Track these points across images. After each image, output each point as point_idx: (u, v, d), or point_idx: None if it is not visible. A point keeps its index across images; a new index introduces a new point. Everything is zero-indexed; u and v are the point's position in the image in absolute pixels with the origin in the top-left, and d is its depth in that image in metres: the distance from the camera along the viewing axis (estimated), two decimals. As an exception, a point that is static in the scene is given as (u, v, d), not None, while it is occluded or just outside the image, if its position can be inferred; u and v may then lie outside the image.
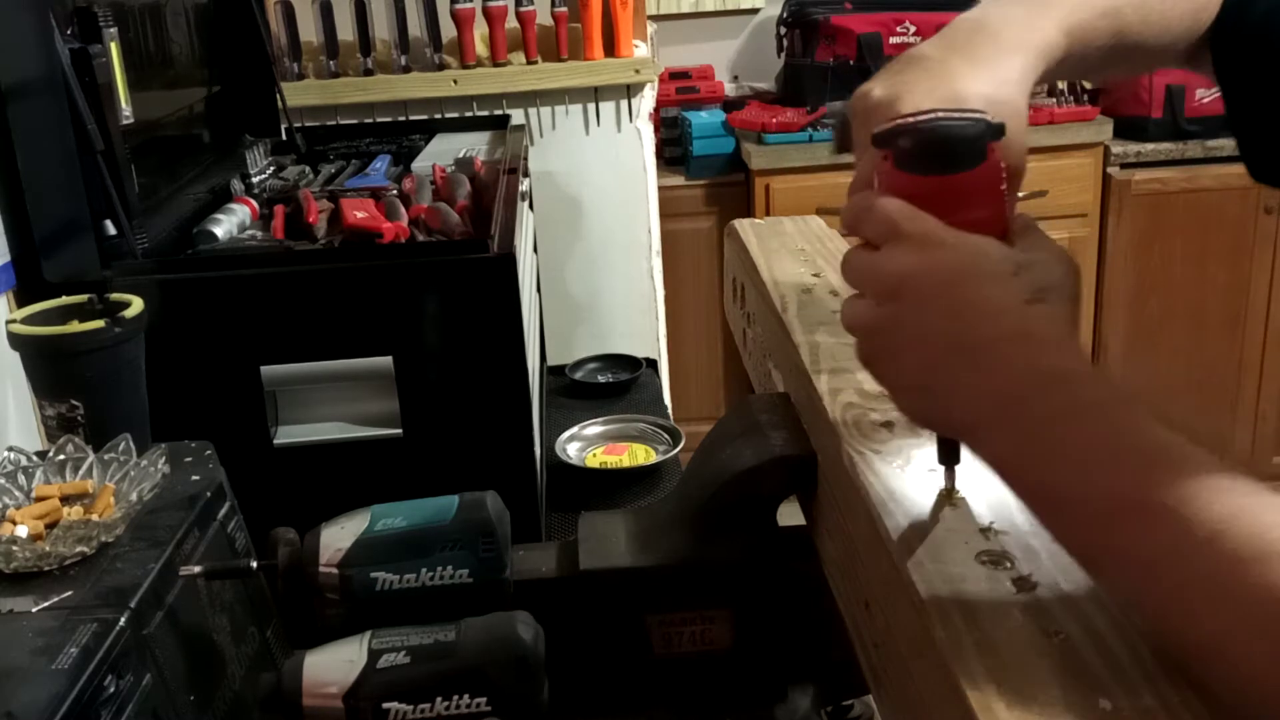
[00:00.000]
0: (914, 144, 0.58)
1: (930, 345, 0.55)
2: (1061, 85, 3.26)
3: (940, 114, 0.59)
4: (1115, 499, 0.49)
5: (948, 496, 0.62)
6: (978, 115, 0.58)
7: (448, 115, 2.12)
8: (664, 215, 2.46)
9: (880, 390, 0.74)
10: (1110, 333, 3.16)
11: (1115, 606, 0.52)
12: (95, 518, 0.74)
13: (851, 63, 3.14)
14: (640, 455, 1.51)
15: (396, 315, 1.14)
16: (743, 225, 1.12)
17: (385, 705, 0.65)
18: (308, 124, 1.98)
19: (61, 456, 0.81)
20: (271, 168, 1.64)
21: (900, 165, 0.58)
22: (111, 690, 0.62)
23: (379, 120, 2.11)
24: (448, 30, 2.18)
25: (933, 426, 0.60)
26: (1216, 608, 0.45)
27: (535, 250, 1.77)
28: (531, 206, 1.79)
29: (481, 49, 2.21)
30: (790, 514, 0.80)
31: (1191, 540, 0.46)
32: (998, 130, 0.58)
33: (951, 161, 0.57)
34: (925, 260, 0.55)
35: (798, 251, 1.03)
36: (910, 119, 0.58)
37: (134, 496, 0.77)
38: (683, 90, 3.29)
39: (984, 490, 0.62)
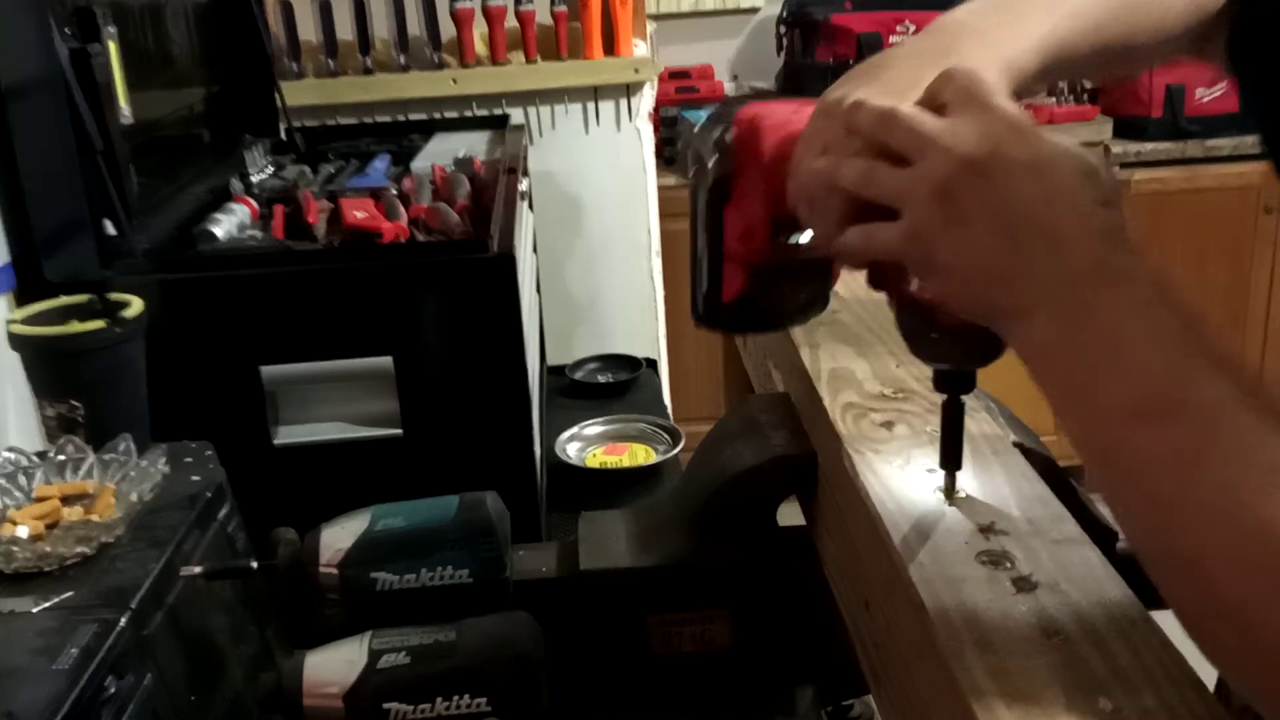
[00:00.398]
0: None
1: (1004, 222, 0.54)
2: (1062, 84, 3.26)
3: None
4: (1149, 394, 0.49)
5: (948, 496, 0.62)
6: None
7: (447, 115, 2.12)
8: (664, 215, 2.46)
9: (880, 389, 0.75)
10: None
11: (1115, 605, 0.52)
12: (95, 518, 0.74)
13: (851, 62, 3.13)
14: (640, 455, 1.51)
15: (396, 315, 1.14)
16: (743, 225, 1.12)
17: (385, 705, 0.65)
18: (307, 124, 1.98)
19: (61, 457, 0.81)
20: (271, 167, 1.64)
21: None
22: (111, 690, 0.62)
23: (378, 120, 2.11)
24: (447, 29, 2.18)
25: (975, 310, 0.57)
26: (1214, 520, 0.46)
27: (535, 250, 1.77)
28: (531, 206, 1.79)
29: (481, 48, 2.21)
30: (790, 514, 0.80)
31: (1214, 447, 0.47)
32: None
33: None
34: (1011, 140, 0.54)
35: (798, 251, 1.03)
36: None
37: (134, 497, 0.77)
38: (682, 90, 3.28)
39: (984, 490, 0.62)
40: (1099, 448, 0.52)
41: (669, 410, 1.79)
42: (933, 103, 0.57)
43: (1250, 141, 3.10)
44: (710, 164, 0.66)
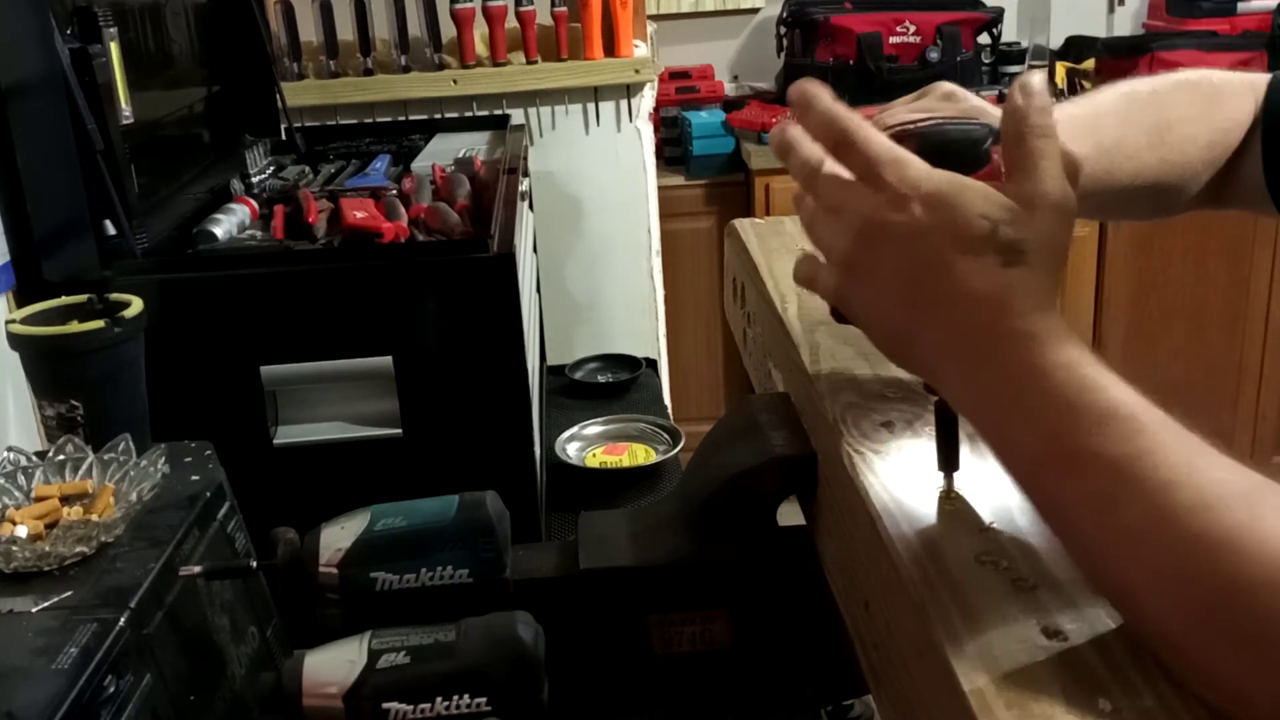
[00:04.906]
0: (918, 147, 0.58)
1: (900, 291, 0.56)
2: (1061, 84, 3.26)
3: (942, 119, 0.59)
4: (1060, 447, 0.51)
5: (947, 496, 0.62)
6: (978, 121, 0.59)
7: (447, 115, 2.12)
8: (664, 215, 2.46)
9: (880, 389, 0.75)
10: (1110, 333, 3.16)
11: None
12: (95, 518, 0.74)
13: (851, 63, 3.14)
14: (640, 455, 1.51)
15: (396, 315, 1.14)
16: (743, 225, 1.12)
17: (385, 705, 0.65)
18: (308, 124, 1.98)
19: (61, 456, 0.81)
20: (271, 168, 1.64)
21: None
22: (111, 690, 0.62)
23: (379, 120, 2.11)
24: (448, 30, 2.18)
25: (898, 363, 0.62)
26: (1139, 558, 0.48)
27: (535, 250, 1.77)
28: (531, 206, 1.79)
29: (481, 49, 2.21)
30: (790, 514, 0.80)
31: (1129, 492, 0.48)
32: (999, 134, 0.58)
33: (955, 164, 0.58)
34: (903, 209, 0.55)
35: (798, 251, 1.03)
36: (912, 124, 0.59)
37: (134, 496, 0.76)
38: (683, 90, 3.29)
39: (984, 491, 0.62)
40: (1025, 493, 0.55)
41: (669, 410, 1.79)
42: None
43: (1250, 142, 3.10)
44: None
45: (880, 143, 0.57)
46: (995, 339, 0.54)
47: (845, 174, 0.59)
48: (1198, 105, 0.81)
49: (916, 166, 0.56)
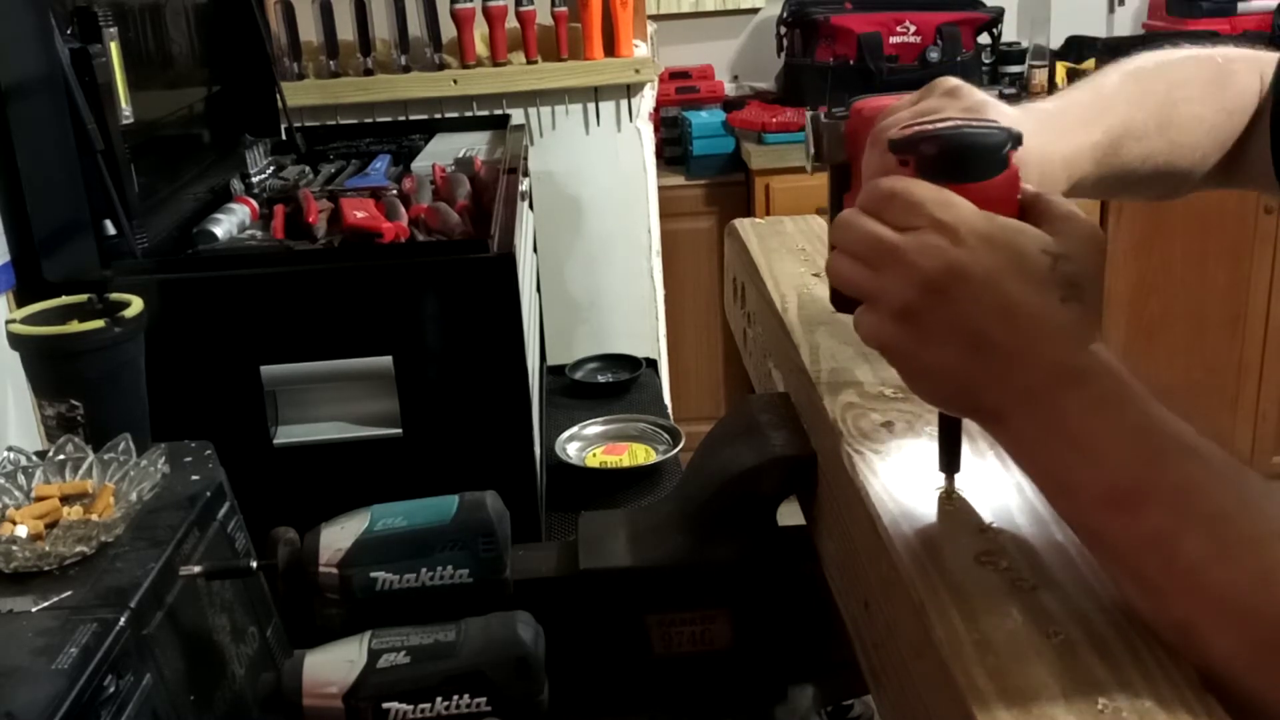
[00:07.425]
0: (939, 151, 0.57)
1: (966, 337, 0.55)
2: (1062, 85, 3.26)
3: (960, 122, 0.59)
4: (1120, 484, 0.52)
5: (947, 497, 0.62)
6: (998, 125, 0.58)
7: (448, 115, 2.12)
8: (664, 215, 2.46)
9: (880, 389, 0.75)
10: (1110, 333, 3.15)
11: (1115, 606, 0.52)
12: (95, 518, 0.74)
13: (851, 63, 3.13)
14: (640, 455, 1.51)
15: (396, 315, 1.14)
16: (743, 225, 1.12)
17: (385, 705, 0.65)
18: (308, 124, 1.98)
19: (61, 456, 0.81)
20: (271, 167, 1.64)
21: (923, 173, 0.58)
22: (111, 690, 0.62)
23: (379, 120, 2.11)
24: (448, 30, 2.18)
25: (950, 410, 0.61)
26: (1199, 592, 0.48)
27: (535, 250, 1.77)
28: (531, 206, 1.79)
29: (481, 49, 2.21)
30: (790, 514, 0.80)
31: (1188, 526, 0.49)
32: (1018, 139, 0.58)
33: (975, 169, 0.57)
34: (965, 254, 0.54)
35: (798, 251, 1.04)
36: (931, 126, 0.58)
37: (134, 496, 0.76)
38: (683, 90, 3.29)
39: (983, 490, 0.62)
40: (1084, 533, 0.55)
41: (669, 410, 1.79)
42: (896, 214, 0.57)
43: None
44: (829, 153, 0.68)
45: (924, 185, 0.56)
46: (1061, 376, 0.54)
47: (885, 230, 0.57)
48: (1205, 86, 0.80)
49: (965, 205, 0.56)
